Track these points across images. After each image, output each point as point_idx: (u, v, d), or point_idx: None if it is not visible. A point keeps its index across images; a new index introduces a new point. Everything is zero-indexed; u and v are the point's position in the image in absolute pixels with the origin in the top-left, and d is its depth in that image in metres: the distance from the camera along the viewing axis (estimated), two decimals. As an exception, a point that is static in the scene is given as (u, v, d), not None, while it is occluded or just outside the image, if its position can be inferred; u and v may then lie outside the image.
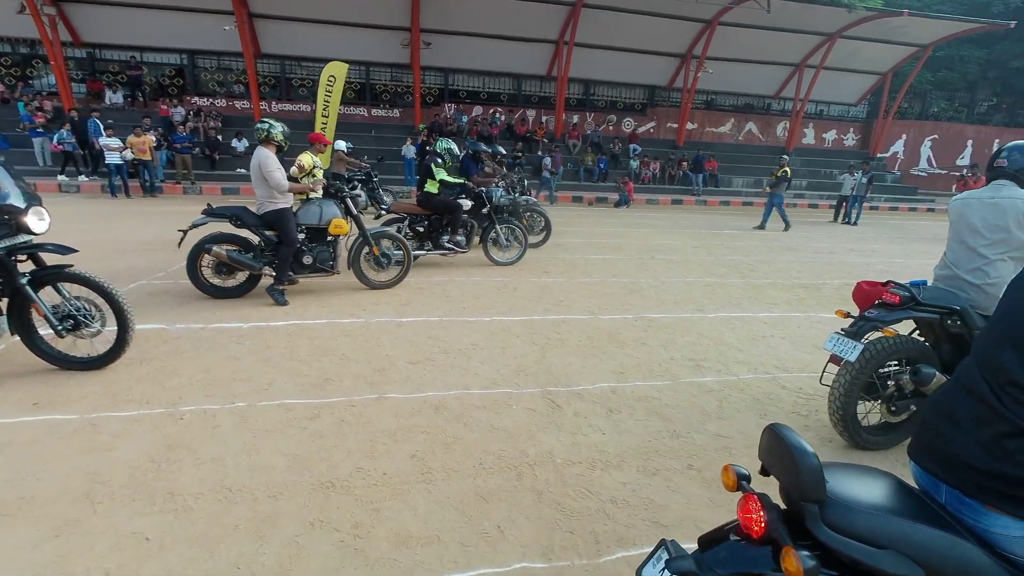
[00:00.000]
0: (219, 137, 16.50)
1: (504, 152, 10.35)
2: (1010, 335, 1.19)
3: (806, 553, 1.06)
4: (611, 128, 22.13)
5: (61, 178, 13.23)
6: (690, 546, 1.32)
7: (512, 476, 2.46)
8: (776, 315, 5.39)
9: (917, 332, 3.08)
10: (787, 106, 23.69)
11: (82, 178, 13.40)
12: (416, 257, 6.63)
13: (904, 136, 25.05)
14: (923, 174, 25.49)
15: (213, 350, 3.77)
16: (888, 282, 2.87)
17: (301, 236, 4.99)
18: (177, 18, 17.30)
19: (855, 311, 3.00)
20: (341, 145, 11.55)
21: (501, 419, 2.97)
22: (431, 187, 6.43)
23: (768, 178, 13.41)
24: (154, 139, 13.04)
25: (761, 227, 12.26)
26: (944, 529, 1.15)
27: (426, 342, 4.09)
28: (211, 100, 18.44)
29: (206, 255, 4.65)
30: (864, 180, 14.13)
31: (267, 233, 4.76)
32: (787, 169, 12.46)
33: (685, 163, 19.68)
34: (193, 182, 14.10)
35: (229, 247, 4.69)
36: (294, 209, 4.96)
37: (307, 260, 4.93)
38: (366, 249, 5.35)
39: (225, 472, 2.40)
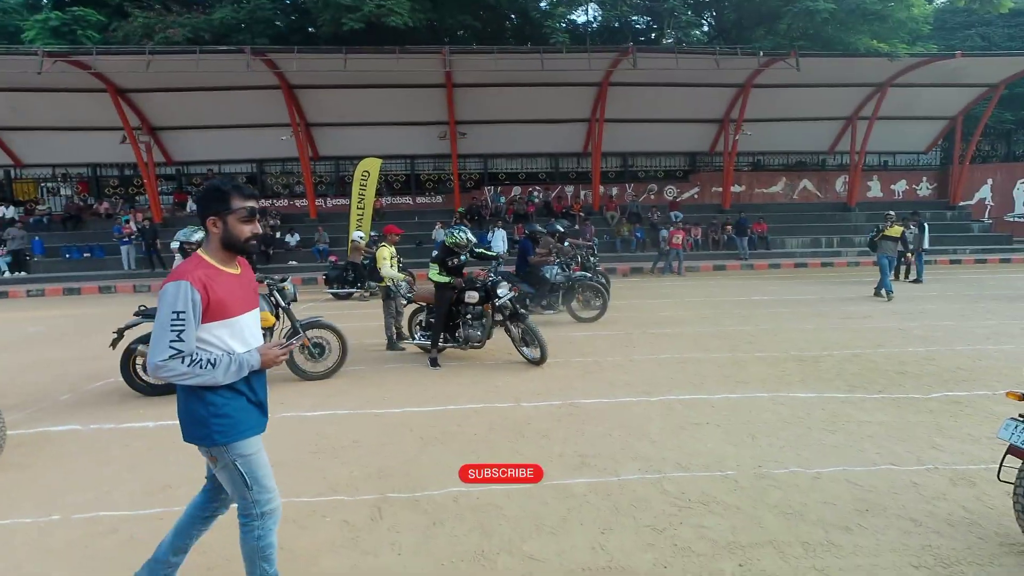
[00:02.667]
0: (276, 234, 18.11)
1: (562, 229, 10.42)
2: None
3: None
4: (652, 197, 21.88)
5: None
6: None
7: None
8: (736, 397, 4.73)
9: None
10: (845, 160, 22.36)
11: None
12: (441, 349, 6.14)
13: (990, 180, 22.66)
14: (1021, 220, 22.66)
15: (94, 452, 3.85)
16: None
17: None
18: (248, 134, 19.71)
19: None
20: (357, 235, 12.22)
21: (295, 538, 2.70)
22: (435, 277, 6.03)
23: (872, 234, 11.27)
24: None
25: (880, 293, 10.43)
26: None
27: (309, 440, 3.94)
28: (272, 201, 20.46)
29: (138, 355, 4.90)
30: (916, 231, 12.74)
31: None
32: (897, 227, 10.73)
33: (729, 227, 18.84)
34: (242, 276, 15.36)
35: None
36: None
37: (233, 354, 5.04)
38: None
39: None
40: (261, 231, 2.00)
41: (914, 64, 17.52)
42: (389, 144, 20.66)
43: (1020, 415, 2.42)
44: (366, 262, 12.17)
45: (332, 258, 13.31)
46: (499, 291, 6.00)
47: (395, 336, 7.01)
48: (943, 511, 2.80)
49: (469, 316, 6.16)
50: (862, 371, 5.49)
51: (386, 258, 6.90)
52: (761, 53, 16.44)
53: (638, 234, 18.89)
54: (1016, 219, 22.58)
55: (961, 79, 19.23)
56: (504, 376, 5.58)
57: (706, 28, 24.08)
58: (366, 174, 15.29)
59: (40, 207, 19.21)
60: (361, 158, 17.01)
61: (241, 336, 1.95)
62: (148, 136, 18.39)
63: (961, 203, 21.96)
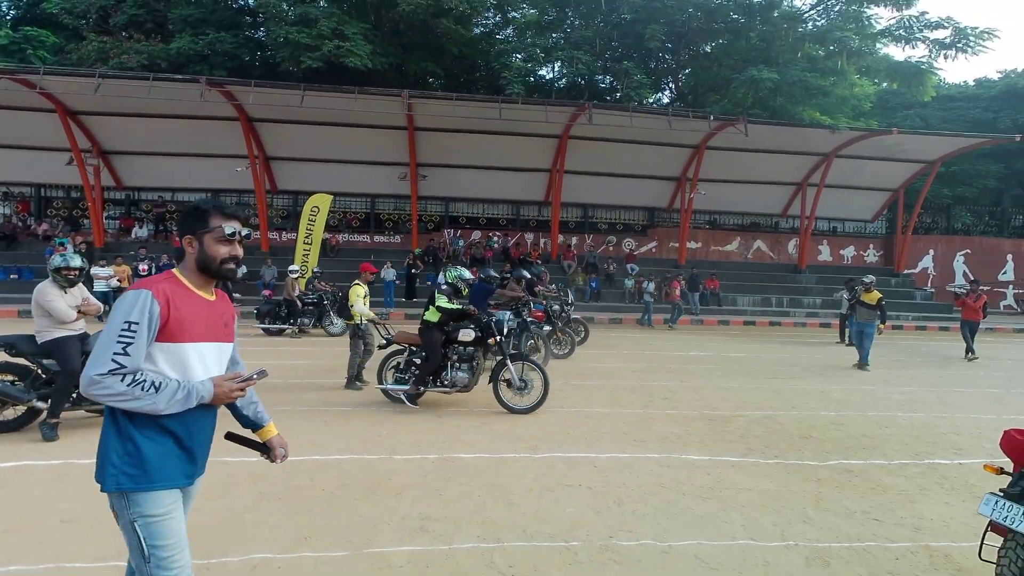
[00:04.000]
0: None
1: (528, 275, 10.31)
2: None
3: None
4: (611, 249, 22.15)
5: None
6: None
7: None
8: (624, 456, 4.47)
9: None
10: (797, 224, 23.14)
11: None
12: (420, 392, 5.86)
13: (932, 251, 23.69)
14: (961, 291, 23.56)
15: None
16: None
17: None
18: (205, 163, 19.40)
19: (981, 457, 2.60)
20: (292, 269, 11.88)
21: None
22: (430, 315, 5.82)
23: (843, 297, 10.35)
24: (144, 268, 13.99)
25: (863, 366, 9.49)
26: None
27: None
28: (223, 232, 19.97)
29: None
30: (849, 296, 13.12)
31: (45, 362, 4.52)
32: (875, 292, 9.53)
33: (683, 281, 19.03)
34: (176, 306, 14.74)
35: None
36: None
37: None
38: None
39: None
40: (241, 254, 1.79)
41: (855, 137, 18.46)
42: (350, 182, 20.63)
43: (1000, 491, 2.31)
44: (315, 297, 11.80)
45: (266, 292, 12.86)
46: (504, 326, 5.84)
47: (355, 376, 6.80)
48: (783, 597, 2.55)
49: (456, 358, 5.88)
50: (767, 434, 5.32)
51: (360, 296, 6.89)
52: (712, 117, 17.12)
53: (593, 284, 18.95)
54: (956, 289, 23.46)
55: (901, 155, 20.33)
56: (396, 424, 5.23)
57: (668, 92, 25.20)
58: (316, 209, 15.09)
59: (-27, 225, 18.36)
60: (319, 193, 16.86)
61: (197, 366, 1.70)
62: (97, 159, 17.95)
63: (906, 271, 22.81)
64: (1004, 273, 23.62)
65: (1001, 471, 2.46)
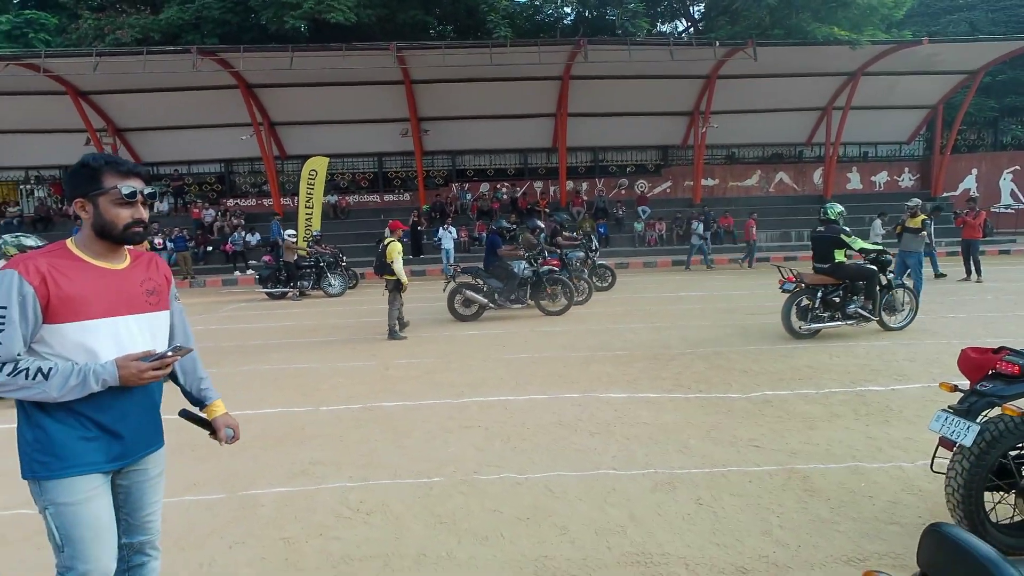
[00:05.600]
0: (240, 233, 18.24)
1: (541, 225, 10.50)
2: None
3: None
4: (623, 192, 21.61)
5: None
6: None
7: None
8: (543, 398, 4.58)
9: None
10: (823, 151, 21.84)
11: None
12: (817, 331, 6.45)
13: (975, 170, 21.98)
14: (1009, 211, 21.93)
15: None
16: (1001, 348, 2.47)
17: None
18: (217, 133, 19.80)
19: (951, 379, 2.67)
20: (289, 234, 12.22)
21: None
22: (841, 256, 6.49)
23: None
24: (159, 241, 14.68)
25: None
26: None
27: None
28: (236, 201, 20.64)
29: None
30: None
31: None
32: (923, 217, 9.17)
33: (694, 221, 18.48)
34: (193, 276, 15.47)
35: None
36: None
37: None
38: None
39: None
40: (146, 216, 1.64)
41: (882, 52, 17.00)
42: (356, 142, 20.69)
43: (950, 407, 2.38)
44: (312, 260, 12.16)
45: (266, 258, 13.29)
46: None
47: (402, 326, 7.45)
48: (604, 520, 2.64)
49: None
50: (707, 369, 5.30)
51: (399, 253, 7.27)
52: (718, 43, 16.08)
53: (601, 229, 18.67)
54: (1003, 210, 21.85)
55: (938, 67, 18.63)
56: (342, 378, 5.46)
57: (682, 21, 23.70)
58: (313, 173, 15.30)
59: (11, 209, 19.60)
60: (327, 156, 17.07)
61: (105, 345, 1.56)
62: (112, 137, 18.63)
63: (945, 194, 21.32)
64: (1058, 189, 21.74)
65: (955, 388, 2.53)
